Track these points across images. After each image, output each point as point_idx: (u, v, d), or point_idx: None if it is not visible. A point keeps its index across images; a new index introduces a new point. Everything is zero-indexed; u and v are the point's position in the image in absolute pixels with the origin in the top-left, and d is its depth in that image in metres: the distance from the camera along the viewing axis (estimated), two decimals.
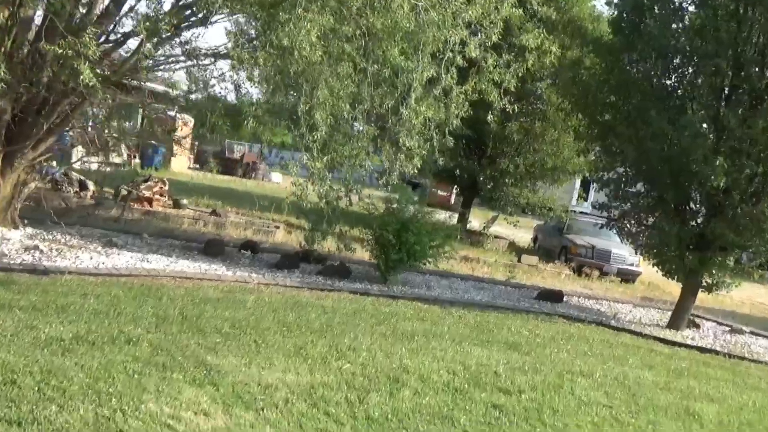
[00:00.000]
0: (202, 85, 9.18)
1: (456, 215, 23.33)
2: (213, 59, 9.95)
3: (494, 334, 8.60)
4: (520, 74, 9.99)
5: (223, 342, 6.26)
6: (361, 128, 8.91)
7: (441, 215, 17.02)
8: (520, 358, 7.57)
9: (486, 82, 9.44)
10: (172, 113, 30.40)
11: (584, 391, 6.62)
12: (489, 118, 10.52)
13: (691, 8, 11.27)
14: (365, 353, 6.67)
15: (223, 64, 9.24)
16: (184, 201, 16.90)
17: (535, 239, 24.41)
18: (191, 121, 26.47)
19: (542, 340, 8.71)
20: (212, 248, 11.17)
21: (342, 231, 10.93)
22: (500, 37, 9.37)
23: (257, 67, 8.42)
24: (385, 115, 8.78)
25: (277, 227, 15.84)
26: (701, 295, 12.33)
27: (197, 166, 37.49)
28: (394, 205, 11.01)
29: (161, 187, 16.60)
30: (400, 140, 8.81)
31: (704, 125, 10.94)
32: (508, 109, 10.48)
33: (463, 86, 9.26)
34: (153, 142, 28.34)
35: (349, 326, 7.69)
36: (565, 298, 12.75)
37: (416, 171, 9.83)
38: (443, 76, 8.62)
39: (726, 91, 10.97)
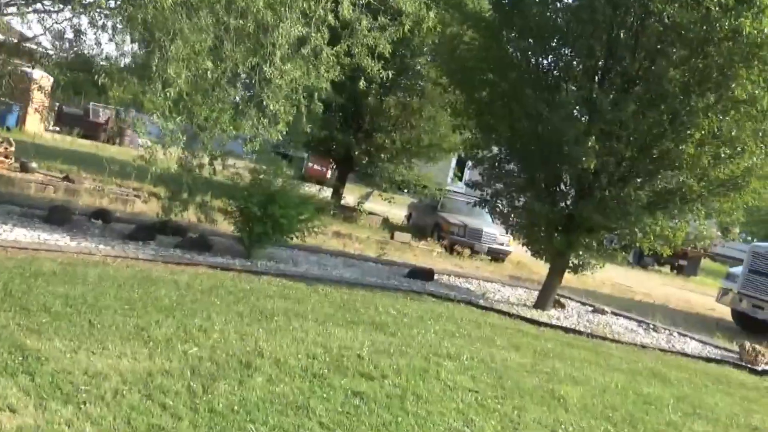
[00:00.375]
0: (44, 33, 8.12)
1: (331, 190, 22.91)
2: (60, 5, 8.89)
3: (361, 314, 8.18)
4: (395, 39, 9.53)
5: (51, 322, 5.48)
6: (224, 89, 8.11)
7: (314, 189, 16.51)
8: (386, 339, 7.19)
9: (360, 45, 8.90)
10: (27, 68, 28.02)
11: (450, 375, 6.32)
12: (362, 84, 9.94)
13: None
14: (217, 335, 6.07)
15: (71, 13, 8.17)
16: (34, 164, 15.48)
17: (409, 216, 24.34)
18: (51, 79, 24.36)
19: (410, 320, 8.38)
20: (57, 216, 10.15)
21: (203, 201, 10.14)
22: None
23: (107, 15, 7.49)
24: (250, 74, 8.05)
25: (137, 196, 14.79)
26: (566, 275, 12.46)
27: (57, 128, 35.07)
28: (261, 176, 10.35)
29: (6, 148, 15.13)
30: (264, 102, 8.12)
31: (578, 107, 10.93)
32: (383, 77, 9.98)
33: (334, 48, 8.66)
34: (5, 99, 26.10)
35: (202, 304, 7.04)
36: (435, 276, 12.57)
37: (280, 137, 9.13)
38: (313, 35, 7.99)
39: (599, 74, 11.00)
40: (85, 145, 28.10)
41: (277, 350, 5.96)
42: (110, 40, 7.48)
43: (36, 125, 29.42)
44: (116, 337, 5.47)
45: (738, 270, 16.23)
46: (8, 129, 25.76)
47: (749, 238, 37.37)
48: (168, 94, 7.18)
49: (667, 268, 29.93)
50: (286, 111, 8.42)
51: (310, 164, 36.53)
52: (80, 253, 8.44)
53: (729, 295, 15.53)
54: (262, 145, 9.22)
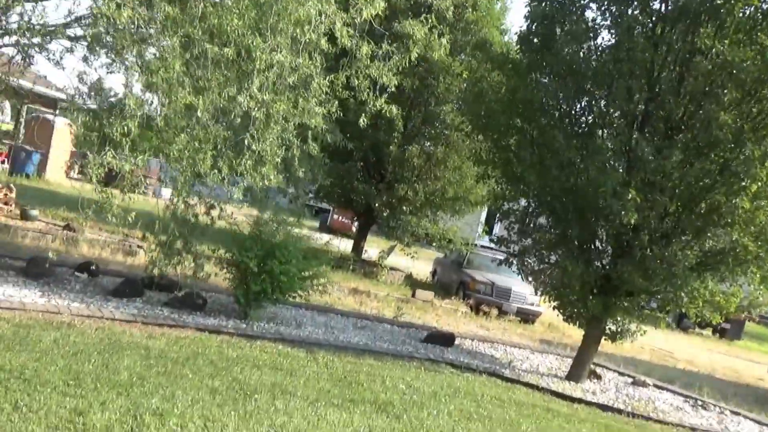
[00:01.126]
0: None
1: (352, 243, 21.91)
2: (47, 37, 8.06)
3: (363, 389, 7.01)
4: (400, 68, 8.48)
5: None
6: (205, 126, 7.10)
7: (332, 241, 15.40)
8: (387, 424, 6.00)
9: (361, 76, 7.87)
10: (50, 116, 27.58)
11: None
12: (362, 121, 8.84)
13: (605, 23, 10.12)
14: (175, 421, 4.95)
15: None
16: (35, 212, 14.72)
17: (434, 273, 23.13)
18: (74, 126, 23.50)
19: (421, 398, 7.18)
20: (35, 268, 9.20)
21: (197, 253, 9.11)
22: (381, 23, 7.84)
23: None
24: (228, 107, 7.05)
25: (140, 246, 13.89)
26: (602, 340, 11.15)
27: (80, 176, 34.77)
28: (261, 227, 9.33)
29: (6, 195, 14.42)
30: (246, 141, 7.11)
31: (615, 155, 9.82)
32: (397, 119, 8.95)
33: (327, 78, 7.61)
34: (27, 146, 25.77)
35: (171, 378, 5.95)
36: (457, 341, 11.33)
37: (268, 182, 8.01)
38: (301, 61, 6.96)
39: (639, 119, 9.89)
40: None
41: None
42: (56, 65, 6.62)
43: (57, 173, 29.02)
44: (40, 425, 4.40)
45: None
46: (28, 177, 25.32)
47: None
48: (124, 128, 6.24)
49: (708, 331, 28.14)
50: (273, 152, 7.37)
51: (335, 216, 35.70)
52: (46, 312, 7.44)
53: None
54: (247, 190, 8.14)
